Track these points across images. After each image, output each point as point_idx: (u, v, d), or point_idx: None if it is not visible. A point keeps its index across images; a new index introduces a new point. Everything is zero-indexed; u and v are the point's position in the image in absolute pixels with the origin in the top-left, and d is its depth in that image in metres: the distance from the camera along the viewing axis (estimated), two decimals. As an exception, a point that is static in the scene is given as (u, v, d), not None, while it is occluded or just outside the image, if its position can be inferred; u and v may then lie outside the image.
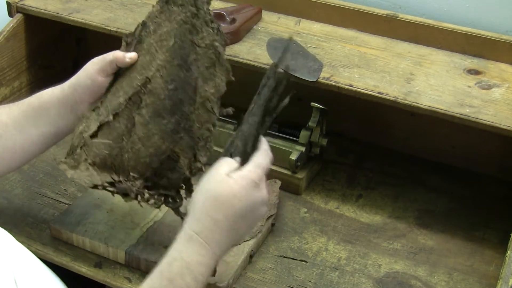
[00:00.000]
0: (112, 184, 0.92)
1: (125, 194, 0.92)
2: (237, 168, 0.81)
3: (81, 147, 0.92)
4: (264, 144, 0.84)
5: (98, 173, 0.92)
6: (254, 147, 0.84)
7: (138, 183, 0.91)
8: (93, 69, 0.93)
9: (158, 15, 0.94)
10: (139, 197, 0.92)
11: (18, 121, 0.94)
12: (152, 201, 0.92)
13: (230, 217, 0.78)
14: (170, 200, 0.94)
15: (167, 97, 0.90)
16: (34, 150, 0.96)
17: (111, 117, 0.91)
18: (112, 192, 0.94)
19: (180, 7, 0.94)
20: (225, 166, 0.81)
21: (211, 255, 0.78)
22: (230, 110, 0.95)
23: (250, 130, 0.86)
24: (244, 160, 0.83)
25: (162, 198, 0.93)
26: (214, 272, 0.87)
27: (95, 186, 0.93)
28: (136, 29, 0.96)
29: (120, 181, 0.91)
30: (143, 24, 0.95)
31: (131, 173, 0.91)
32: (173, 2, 0.94)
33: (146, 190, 0.92)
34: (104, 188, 0.93)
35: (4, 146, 0.94)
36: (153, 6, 0.96)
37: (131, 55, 0.91)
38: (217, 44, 0.94)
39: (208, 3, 0.96)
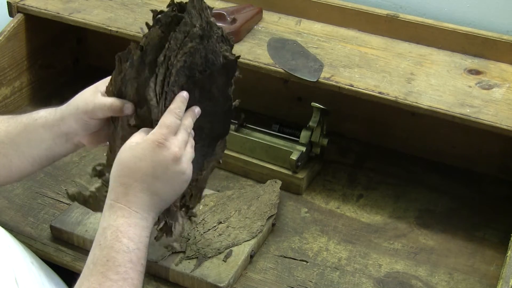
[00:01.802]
0: None
1: None
2: (143, 134, 0.83)
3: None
4: (174, 103, 0.83)
5: None
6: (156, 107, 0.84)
7: None
8: (83, 110, 0.88)
9: (158, 43, 0.84)
10: None
11: (14, 141, 0.93)
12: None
13: (139, 179, 0.80)
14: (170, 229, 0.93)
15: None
16: (29, 169, 0.96)
17: None
18: None
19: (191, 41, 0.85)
20: (135, 136, 0.83)
21: (136, 215, 0.80)
22: (237, 102, 0.94)
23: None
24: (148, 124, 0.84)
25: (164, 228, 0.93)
26: (162, 234, 0.90)
27: None
28: (131, 54, 0.85)
29: None
30: (142, 49, 0.84)
31: None
32: (177, 21, 0.84)
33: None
34: None
35: (1, 163, 0.94)
36: (149, 25, 0.85)
37: (128, 108, 0.86)
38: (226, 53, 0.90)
39: (210, 9, 0.87)
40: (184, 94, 0.85)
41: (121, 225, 0.79)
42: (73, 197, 0.95)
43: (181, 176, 0.83)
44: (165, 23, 0.84)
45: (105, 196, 0.83)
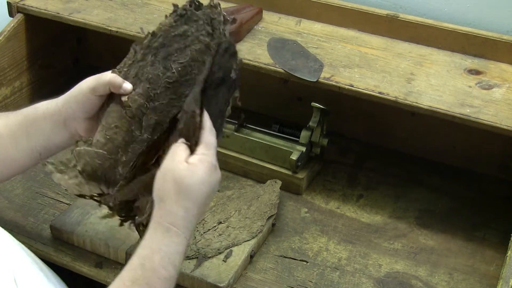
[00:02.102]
0: (100, 195, 0.91)
1: (110, 207, 0.91)
2: (188, 151, 0.82)
3: (71, 152, 0.91)
4: (207, 121, 0.83)
5: (85, 182, 0.90)
6: (199, 125, 0.83)
7: (123, 198, 0.90)
8: (87, 86, 0.91)
9: (170, 28, 0.92)
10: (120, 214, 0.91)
11: (12, 132, 0.94)
12: (130, 223, 0.91)
13: (198, 203, 0.80)
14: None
15: (171, 116, 0.89)
16: (25, 163, 0.96)
17: (110, 128, 0.90)
18: (98, 202, 0.92)
19: (195, 24, 0.91)
20: (181, 153, 0.81)
21: (185, 242, 0.80)
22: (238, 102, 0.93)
23: (190, 107, 0.83)
24: (189, 139, 0.82)
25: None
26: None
27: (81, 195, 0.92)
28: (145, 38, 0.93)
29: (109, 194, 0.90)
30: (153, 34, 0.92)
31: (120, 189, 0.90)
32: (188, 17, 0.91)
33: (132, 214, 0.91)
34: (91, 198, 0.92)
35: None
36: (166, 17, 0.93)
37: (127, 88, 0.90)
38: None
39: (225, 23, 0.92)
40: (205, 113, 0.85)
41: (172, 253, 0.78)
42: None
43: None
44: (180, 14, 0.92)
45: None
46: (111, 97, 0.91)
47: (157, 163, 0.85)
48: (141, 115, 0.90)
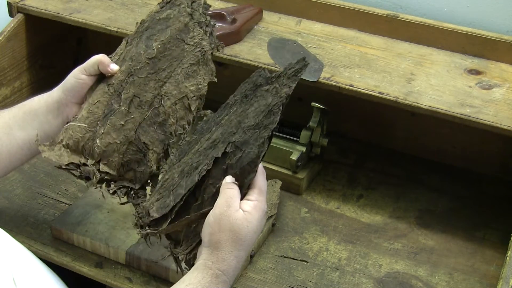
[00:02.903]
0: (77, 166, 0.93)
1: (87, 178, 0.92)
2: (239, 194, 0.80)
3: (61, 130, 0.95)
4: (260, 165, 0.83)
5: (68, 155, 0.93)
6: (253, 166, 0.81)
7: (104, 170, 0.92)
8: (78, 68, 0.96)
9: (156, 14, 0.99)
10: (102, 186, 0.92)
11: (6, 124, 0.96)
12: (113, 191, 0.92)
13: (247, 248, 0.81)
14: (133, 195, 0.93)
15: (149, 89, 0.93)
16: (20, 155, 0.97)
17: (93, 103, 0.94)
18: (76, 176, 0.94)
19: (177, 8, 0.98)
20: (236, 198, 0.80)
21: (226, 284, 0.80)
22: (208, 112, 0.95)
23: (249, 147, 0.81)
24: (242, 182, 0.81)
25: (125, 191, 0.93)
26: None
27: (60, 167, 0.93)
28: (136, 27, 1.01)
29: (85, 164, 0.92)
30: (142, 22, 1.00)
31: (99, 161, 0.92)
32: (172, 3, 0.99)
33: (113, 182, 0.92)
34: (68, 170, 0.93)
35: None
36: (155, 6, 1.01)
37: (113, 68, 0.95)
38: (204, 43, 0.97)
39: (205, 8, 1.00)
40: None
41: None
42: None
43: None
44: (165, 1, 1.01)
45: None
46: (98, 80, 0.96)
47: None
48: (121, 89, 0.94)
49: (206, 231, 0.80)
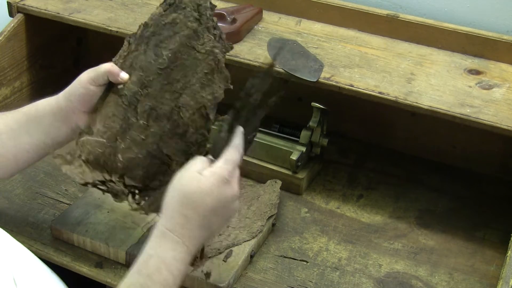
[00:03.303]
0: (103, 183, 0.92)
1: (115, 195, 0.92)
2: (208, 165, 0.82)
3: (76, 143, 0.93)
4: (236, 139, 0.84)
5: (90, 171, 0.92)
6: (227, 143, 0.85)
7: (129, 184, 0.91)
8: (86, 78, 0.93)
9: (160, 17, 0.95)
10: (129, 198, 0.92)
11: (12, 129, 0.95)
12: (142, 203, 0.92)
13: (201, 213, 0.80)
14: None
15: (165, 101, 0.91)
16: (26, 159, 0.96)
17: (108, 117, 0.92)
18: (103, 191, 0.94)
19: (183, 11, 0.95)
20: (197, 163, 0.82)
21: (185, 249, 0.80)
22: (226, 117, 0.95)
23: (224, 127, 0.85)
24: (217, 156, 0.84)
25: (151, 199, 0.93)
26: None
27: (86, 184, 0.93)
28: (138, 29, 0.97)
29: (111, 181, 0.91)
30: (145, 25, 0.96)
31: (123, 175, 0.91)
32: (177, 6, 0.95)
33: (137, 191, 0.92)
34: (94, 186, 0.93)
35: None
36: (157, 7, 0.96)
37: (123, 77, 0.92)
38: (217, 51, 0.94)
39: (212, 9, 0.96)
40: (242, 130, 0.86)
41: (167, 258, 0.78)
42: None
43: (232, 213, 0.84)
44: (169, 3, 0.96)
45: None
46: (108, 88, 0.94)
47: None
48: (136, 102, 0.92)
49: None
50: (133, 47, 0.95)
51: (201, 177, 0.80)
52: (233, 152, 0.83)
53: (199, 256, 0.94)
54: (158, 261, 0.78)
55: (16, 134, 0.94)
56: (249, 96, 0.88)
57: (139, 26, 0.96)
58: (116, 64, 0.94)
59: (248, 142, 0.92)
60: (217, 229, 0.84)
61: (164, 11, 0.96)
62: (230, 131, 0.85)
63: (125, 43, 0.97)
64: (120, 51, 0.97)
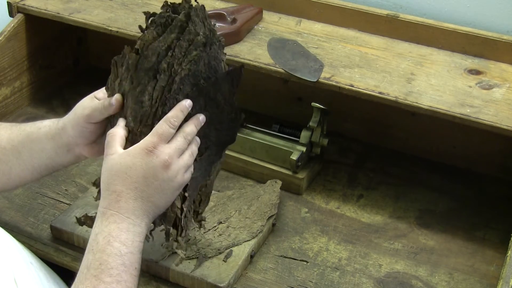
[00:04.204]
0: None
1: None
2: (124, 135, 0.85)
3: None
4: (172, 111, 0.84)
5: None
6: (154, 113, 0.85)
7: None
8: (81, 115, 0.89)
9: (156, 44, 0.84)
10: None
11: (16, 149, 0.94)
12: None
13: (131, 186, 0.82)
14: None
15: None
16: (29, 177, 0.96)
17: None
18: None
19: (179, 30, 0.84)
20: (114, 142, 0.84)
21: (128, 220, 0.81)
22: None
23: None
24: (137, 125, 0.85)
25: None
26: (175, 238, 0.91)
27: None
28: (124, 55, 0.86)
29: None
30: (136, 52, 0.85)
31: None
32: (169, 24, 0.85)
33: None
34: None
35: (1, 170, 0.94)
36: (142, 29, 0.86)
37: (116, 98, 0.87)
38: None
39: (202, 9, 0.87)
40: (186, 103, 0.85)
41: (113, 230, 0.80)
42: (80, 222, 0.96)
43: (170, 183, 0.84)
44: (160, 24, 0.85)
45: None
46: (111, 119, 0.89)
47: None
48: None
49: None
50: (128, 80, 0.86)
51: (124, 154, 0.82)
52: (161, 124, 0.84)
53: (178, 233, 0.91)
54: (105, 235, 0.80)
55: (20, 155, 0.94)
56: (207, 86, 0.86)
57: (129, 53, 0.85)
58: (111, 91, 0.89)
59: (233, 122, 0.91)
60: (159, 201, 0.84)
61: (157, 34, 0.84)
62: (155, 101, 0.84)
63: (112, 68, 0.88)
64: (109, 79, 0.89)
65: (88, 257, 0.79)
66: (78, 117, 0.89)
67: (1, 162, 0.94)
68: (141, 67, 0.84)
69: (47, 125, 0.93)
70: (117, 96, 0.87)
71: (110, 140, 0.84)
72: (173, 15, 0.85)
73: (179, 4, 0.86)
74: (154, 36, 0.84)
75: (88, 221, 0.95)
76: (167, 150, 0.83)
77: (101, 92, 0.91)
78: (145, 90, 0.84)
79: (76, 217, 0.97)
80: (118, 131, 0.85)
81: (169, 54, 0.83)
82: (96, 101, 0.89)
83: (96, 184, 0.92)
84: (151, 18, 0.86)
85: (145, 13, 0.87)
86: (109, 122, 0.89)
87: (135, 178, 0.81)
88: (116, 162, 0.82)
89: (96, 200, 0.91)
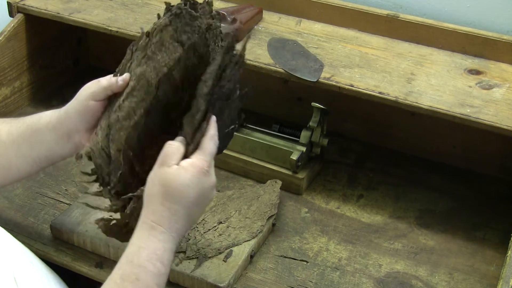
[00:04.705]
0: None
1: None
2: (182, 152, 0.83)
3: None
4: (212, 129, 0.85)
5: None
6: (200, 129, 0.84)
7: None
8: (85, 94, 0.89)
9: (163, 29, 0.88)
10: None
11: (15, 141, 0.94)
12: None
13: (185, 205, 0.82)
14: None
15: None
16: (28, 170, 0.96)
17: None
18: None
19: (190, 28, 0.87)
20: (172, 155, 0.82)
21: (172, 240, 0.81)
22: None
23: (196, 112, 0.84)
24: (191, 142, 0.83)
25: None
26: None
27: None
28: (140, 38, 0.90)
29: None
30: (148, 35, 0.89)
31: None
32: (183, 16, 0.87)
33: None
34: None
35: (0, 164, 0.94)
36: (160, 16, 0.89)
37: (123, 77, 0.88)
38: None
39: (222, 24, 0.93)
40: (215, 118, 0.86)
41: (158, 249, 0.80)
42: (104, 229, 0.93)
43: (211, 202, 0.87)
44: (175, 13, 0.87)
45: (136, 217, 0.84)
46: (109, 103, 0.90)
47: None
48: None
49: (145, 188, 0.83)
50: (134, 56, 0.90)
51: (182, 170, 0.81)
52: (210, 142, 0.84)
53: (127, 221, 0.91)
54: (149, 252, 0.79)
55: (19, 147, 0.94)
56: (220, 85, 0.86)
57: (141, 35, 0.90)
58: (122, 71, 0.90)
59: (228, 135, 0.92)
60: (197, 218, 0.86)
61: (170, 22, 0.87)
62: (203, 119, 0.84)
63: (128, 51, 0.92)
64: (123, 60, 0.92)
65: (125, 268, 0.79)
66: (82, 97, 0.89)
67: (0, 156, 0.94)
68: (151, 49, 0.87)
69: (48, 115, 0.93)
70: (125, 76, 0.88)
71: (170, 151, 0.82)
72: (189, 10, 0.87)
73: (198, 2, 0.89)
74: (166, 22, 0.87)
75: (112, 228, 0.92)
76: (213, 170, 0.84)
77: (106, 78, 0.90)
78: (202, 97, 0.85)
79: (97, 222, 0.94)
80: (179, 146, 0.83)
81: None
82: (101, 81, 0.89)
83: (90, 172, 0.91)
84: (169, 6, 0.89)
85: (166, 3, 0.90)
86: (108, 104, 0.89)
87: (190, 198, 0.81)
88: (175, 178, 0.81)
89: (99, 195, 0.91)
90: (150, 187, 0.82)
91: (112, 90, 0.89)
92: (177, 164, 0.81)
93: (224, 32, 0.94)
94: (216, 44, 0.91)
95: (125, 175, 0.88)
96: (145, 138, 0.88)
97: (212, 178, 0.84)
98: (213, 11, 0.91)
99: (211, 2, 0.91)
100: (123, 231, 0.90)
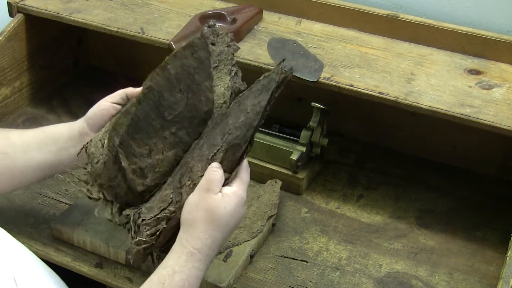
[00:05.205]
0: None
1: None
2: (221, 179, 0.85)
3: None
4: (245, 160, 0.88)
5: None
6: (240, 156, 0.86)
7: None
8: (105, 98, 0.95)
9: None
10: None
11: (25, 143, 0.96)
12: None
13: (224, 232, 0.84)
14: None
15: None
16: (31, 177, 0.97)
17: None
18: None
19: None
20: (218, 182, 0.84)
21: (205, 268, 0.83)
22: None
23: (238, 136, 0.87)
24: (229, 167, 0.86)
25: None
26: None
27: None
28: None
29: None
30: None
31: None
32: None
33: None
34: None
35: (5, 166, 0.95)
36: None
37: (140, 88, 0.92)
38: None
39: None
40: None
41: (191, 276, 0.81)
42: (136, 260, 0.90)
43: None
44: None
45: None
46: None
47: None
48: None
49: (185, 210, 0.84)
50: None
51: (227, 199, 0.83)
52: (246, 172, 0.87)
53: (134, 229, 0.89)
54: (183, 278, 0.80)
55: (28, 149, 0.95)
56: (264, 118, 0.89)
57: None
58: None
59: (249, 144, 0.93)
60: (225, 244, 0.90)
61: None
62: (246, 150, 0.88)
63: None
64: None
65: (157, 287, 0.80)
66: (100, 102, 0.94)
67: (8, 156, 0.95)
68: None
69: (67, 123, 0.98)
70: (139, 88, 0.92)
71: (215, 178, 0.83)
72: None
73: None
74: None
75: (139, 256, 0.88)
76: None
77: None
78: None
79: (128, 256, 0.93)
80: (222, 174, 0.85)
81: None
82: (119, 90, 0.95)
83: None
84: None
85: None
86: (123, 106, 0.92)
87: (230, 227, 0.84)
88: (221, 206, 0.82)
89: (92, 199, 0.91)
90: (194, 211, 0.83)
91: (129, 95, 0.93)
92: (221, 192, 0.83)
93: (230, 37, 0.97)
94: (225, 66, 0.94)
95: (109, 165, 0.87)
96: (137, 132, 0.88)
97: (245, 207, 0.87)
98: (232, 41, 0.95)
99: (233, 37, 0.96)
100: (146, 253, 0.88)
